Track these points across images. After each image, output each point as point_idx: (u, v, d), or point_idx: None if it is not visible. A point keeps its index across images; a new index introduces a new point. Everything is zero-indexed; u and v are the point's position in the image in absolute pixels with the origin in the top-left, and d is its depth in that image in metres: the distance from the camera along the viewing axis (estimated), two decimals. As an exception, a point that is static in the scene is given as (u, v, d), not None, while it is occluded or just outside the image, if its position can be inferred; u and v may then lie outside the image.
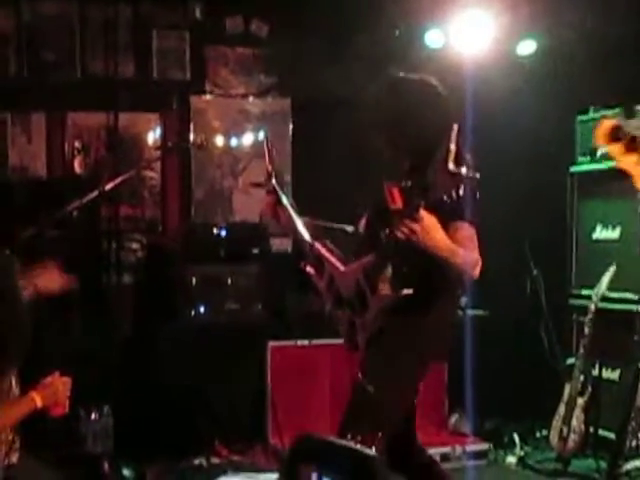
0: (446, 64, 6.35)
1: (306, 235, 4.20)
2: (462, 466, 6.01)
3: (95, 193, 5.21)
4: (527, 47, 6.59)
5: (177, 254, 6.66)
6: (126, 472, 5.60)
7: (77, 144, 6.91)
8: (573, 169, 6.48)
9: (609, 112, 6.19)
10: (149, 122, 7.05)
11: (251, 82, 7.29)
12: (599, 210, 6.30)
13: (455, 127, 3.58)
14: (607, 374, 6.02)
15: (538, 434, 6.43)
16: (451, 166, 3.48)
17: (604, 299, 5.83)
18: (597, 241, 6.29)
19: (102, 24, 6.95)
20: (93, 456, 5.47)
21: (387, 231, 3.70)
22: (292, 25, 6.96)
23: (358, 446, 1.79)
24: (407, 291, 3.66)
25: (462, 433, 6.39)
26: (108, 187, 5.27)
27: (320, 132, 7.04)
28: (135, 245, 6.68)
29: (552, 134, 6.59)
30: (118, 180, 5.33)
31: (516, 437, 6.33)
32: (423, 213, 3.52)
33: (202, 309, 6.32)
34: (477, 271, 3.72)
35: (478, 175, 3.76)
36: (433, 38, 6.54)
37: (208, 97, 7.20)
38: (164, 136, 7.04)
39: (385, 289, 3.73)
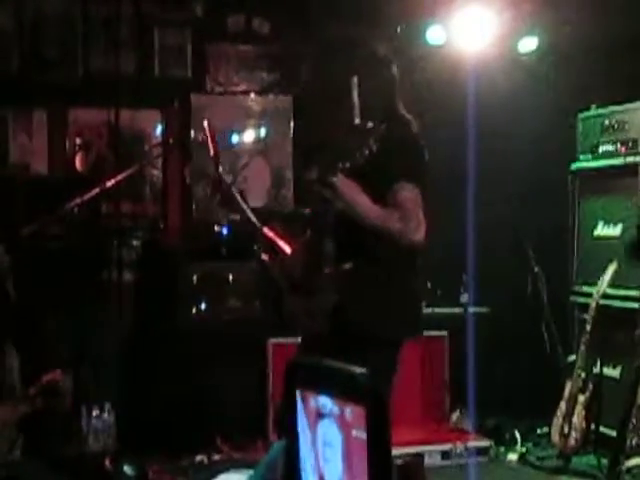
0: (447, 61, 6.36)
1: (254, 219, 4.11)
2: (463, 463, 6.02)
3: (96, 190, 5.22)
4: (528, 44, 6.58)
5: (178, 251, 6.66)
6: (127, 469, 5.60)
7: (78, 141, 6.91)
8: (574, 166, 6.47)
9: (610, 109, 6.20)
10: (150, 119, 7.05)
11: (253, 79, 7.28)
12: (600, 207, 6.29)
13: (355, 79, 3.44)
14: (608, 371, 6.02)
15: (539, 431, 6.43)
16: (357, 121, 3.36)
17: (605, 296, 5.82)
18: (598, 238, 6.28)
19: (104, 21, 6.94)
20: (94, 453, 5.47)
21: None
22: (294, 22, 6.96)
23: (345, 365, 1.78)
24: (348, 265, 3.55)
25: (463, 430, 6.39)
26: (109, 184, 5.28)
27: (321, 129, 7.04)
28: (136, 242, 6.67)
29: (553, 131, 6.58)
30: (119, 177, 5.34)
31: (517, 434, 6.33)
32: (340, 177, 3.36)
33: (203, 306, 6.33)
34: (420, 236, 3.48)
35: (412, 125, 3.65)
36: (434, 35, 6.53)
37: (209, 94, 7.19)
38: (165, 133, 7.04)
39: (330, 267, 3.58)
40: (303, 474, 1.87)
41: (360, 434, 1.66)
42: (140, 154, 6.86)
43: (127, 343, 6.24)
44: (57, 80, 6.86)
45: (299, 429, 1.89)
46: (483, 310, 6.71)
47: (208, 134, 4.73)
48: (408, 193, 3.49)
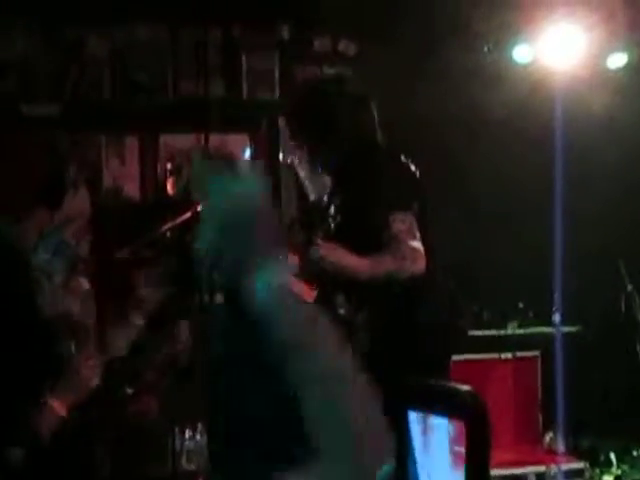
0: (535, 79, 6.32)
1: None
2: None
3: (188, 214, 5.29)
4: (618, 60, 6.51)
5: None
6: (220, 490, 5.64)
7: (169, 165, 7.00)
8: (668, 182, 6.38)
9: None
10: (239, 142, 7.12)
11: (339, 101, 7.31)
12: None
13: (290, 159, 3.55)
14: None
15: (635, 453, 6.31)
16: (312, 197, 3.44)
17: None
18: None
19: (193, 47, 7.04)
20: (187, 473, 5.54)
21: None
22: (380, 44, 6.97)
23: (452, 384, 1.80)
24: (361, 315, 3.57)
25: (557, 452, 6.31)
26: (200, 207, 5.34)
27: (408, 149, 7.03)
28: (227, 264, 6.73)
29: (645, 147, 6.50)
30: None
31: (613, 456, 6.23)
32: (319, 246, 3.47)
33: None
34: (418, 266, 3.50)
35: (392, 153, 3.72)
36: (521, 53, 6.50)
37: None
38: (254, 156, 7.11)
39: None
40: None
41: (461, 449, 1.67)
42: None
43: (218, 364, 6.29)
44: (148, 105, 6.97)
45: (409, 448, 1.91)
46: (575, 329, 6.63)
47: None
48: (400, 224, 3.52)
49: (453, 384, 1.77)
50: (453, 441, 1.72)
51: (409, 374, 3.47)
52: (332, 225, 3.43)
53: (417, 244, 3.53)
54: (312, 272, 3.52)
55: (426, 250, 3.59)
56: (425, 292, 3.71)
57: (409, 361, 3.58)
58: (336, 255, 3.46)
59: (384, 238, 3.52)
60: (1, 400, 1.19)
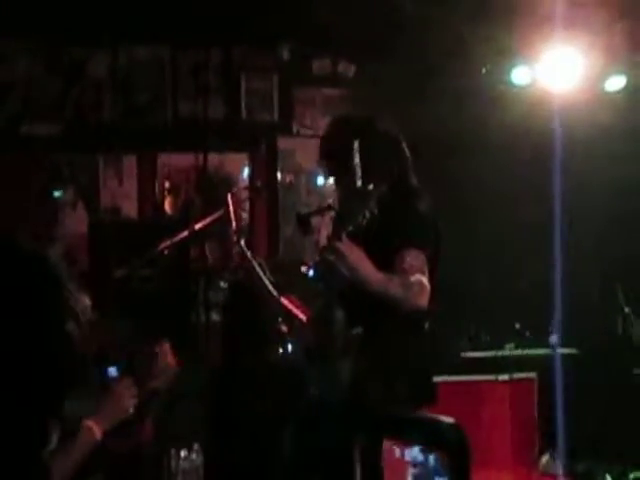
0: (533, 101, 6.34)
1: (273, 290, 4.15)
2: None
3: (185, 233, 5.29)
4: (616, 83, 6.53)
5: (265, 292, 6.70)
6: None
7: (167, 185, 7.02)
8: (665, 206, 6.38)
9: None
10: (238, 162, 7.14)
11: (338, 122, 7.33)
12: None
13: (356, 143, 3.53)
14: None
15: (632, 476, 6.28)
16: (358, 184, 3.43)
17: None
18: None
19: (192, 68, 7.07)
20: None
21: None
22: (379, 65, 6.99)
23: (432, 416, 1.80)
24: (357, 330, 3.58)
25: (553, 474, 6.29)
26: (198, 227, 5.35)
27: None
28: (223, 283, 6.73)
29: (642, 170, 6.51)
30: (208, 220, 5.41)
31: (609, 479, 6.20)
32: (344, 242, 3.44)
33: (290, 347, 6.34)
34: (422, 301, 3.55)
35: (423, 197, 3.73)
36: (520, 75, 6.53)
37: (295, 137, 7.26)
38: (252, 176, 7.12)
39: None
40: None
41: (443, 480, 1.67)
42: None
43: (215, 384, 6.28)
44: (147, 125, 6.99)
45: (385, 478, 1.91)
46: (572, 351, 6.62)
47: (231, 207, 4.83)
48: (413, 260, 3.57)
49: (433, 416, 1.77)
50: (433, 472, 1.71)
51: (386, 407, 3.51)
52: (368, 215, 3.44)
53: (425, 281, 3.58)
54: (324, 268, 3.53)
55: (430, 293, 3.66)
56: (416, 329, 3.77)
57: (384, 401, 3.59)
58: (356, 257, 3.48)
59: (396, 267, 3.56)
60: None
